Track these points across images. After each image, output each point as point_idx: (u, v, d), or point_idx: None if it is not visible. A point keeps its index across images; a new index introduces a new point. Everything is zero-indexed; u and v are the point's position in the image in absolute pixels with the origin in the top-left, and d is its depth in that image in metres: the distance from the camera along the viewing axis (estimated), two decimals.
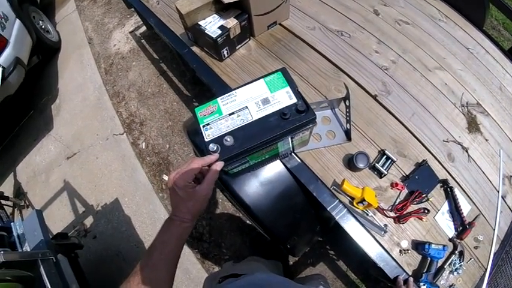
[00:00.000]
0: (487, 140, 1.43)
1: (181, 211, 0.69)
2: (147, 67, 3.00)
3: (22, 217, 2.57)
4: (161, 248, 0.68)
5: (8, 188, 2.82)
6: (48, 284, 1.41)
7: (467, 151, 1.37)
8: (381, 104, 1.40)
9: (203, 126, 0.80)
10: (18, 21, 2.83)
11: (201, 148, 1.12)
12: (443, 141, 1.36)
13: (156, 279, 0.65)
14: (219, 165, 0.74)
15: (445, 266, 1.15)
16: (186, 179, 0.68)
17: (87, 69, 3.23)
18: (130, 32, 3.28)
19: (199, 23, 1.47)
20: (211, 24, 1.45)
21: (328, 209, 1.09)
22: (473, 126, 1.44)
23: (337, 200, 1.11)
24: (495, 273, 1.22)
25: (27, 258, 1.46)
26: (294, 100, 0.80)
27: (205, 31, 1.43)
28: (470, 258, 1.20)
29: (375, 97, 1.41)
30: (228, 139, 0.76)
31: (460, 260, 1.17)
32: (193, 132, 1.24)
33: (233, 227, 2.15)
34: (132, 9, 2.38)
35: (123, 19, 3.45)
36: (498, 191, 1.34)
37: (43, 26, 3.38)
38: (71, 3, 3.90)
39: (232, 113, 0.80)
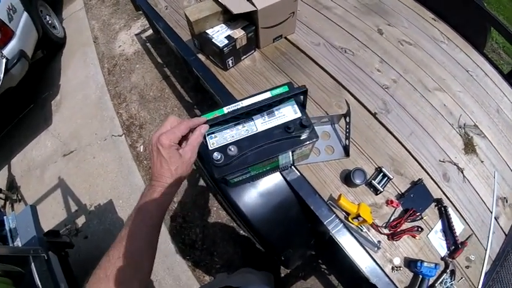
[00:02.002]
0: (482, 161, 1.45)
1: (164, 175, 0.63)
2: (151, 71, 3.02)
3: (14, 211, 2.54)
4: (141, 216, 0.62)
5: (1, 180, 2.80)
6: (38, 282, 1.40)
7: (462, 172, 1.39)
8: (380, 122, 1.42)
9: (208, 135, 0.81)
10: (25, 13, 2.84)
11: (203, 155, 1.12)
12: (440, 161, 1.38)
13: (137, 250, 0.59)
14: (203, 128, 0.70)
15: (436, 285, 1.15)
16: (172, 139, 0.63)
17: (90, 67, 3.23)
18: (136, 35, 3.31)
19: (207, 31, 1.49)
20: (219, 34, 1.48)
21: (325, 223, 1.10)
22: (469, 147, 1.47)
23: (334, 215, 1.12)
24: None
25: (18, 253, 1.45)
26: (299, 114, 0.81)
27: (212, 40, 1.45)
28: (462, 278, 1.21)
29: (374, 115, 1.43)
30: (232, 149, 0.77)
31: (451, 279, 1.17)
32: None
33: (226, 237, 2.14)
34: (140, 12, 2.41)
35: (129, 21, 3.47)
36: (491, 212, 1.35)
37: (50, 21, 3.39)
38: (79, 1, 3.93)
39: (238, 123, 0.81)
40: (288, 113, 0.82)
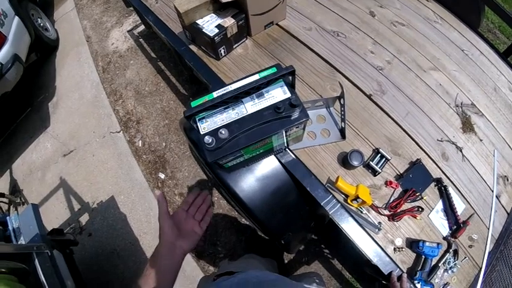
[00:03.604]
0: (481, 140, 1.45)
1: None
2: (145, 66, 3.00)
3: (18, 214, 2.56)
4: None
5: (4, 185, 2.81)
6: (42, 278, 1.41)
7: (461, 151, 1.38)
8: (375, 103, 1.41)
9: (199, 120, 0.81)
10: (17, 18, 2.82)
11: (196, 142, 1.12)
12: (438, 140, 1.38)
13: None
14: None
15: (440, 265, 1.16)
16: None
17: (84, 67, 3.22)
18: (128, 31, 3.28)
19: (197, 21, 1.48)
20: (209, 23, 1.46)
21: (322, 204, 1.10)
22: (467, 126, 1.46)
23: (331, 195, 1.12)
24: (490, 272, 1.24)
25: (21, 250, 1.46)
26: (288, 95, 0.81)
27: (203, 30, 1.44)
28: (465, 257, 1.21)
29: (369, 96, 1.43)
30: (223, 132, 0.77)
31: (454, 259, 1.18)
32: (190, 128, 1.24)
33: (228, 226, 2.15)
34: (131, 8, 2.39)
35: (121, 18, 3.45)
36: (493, 191, 1.35)
37: (41, 24, 3.37)
38: (70, 2, 3.89)
39: (228, 107, 0.81)
40: (277, 94, 0.81)
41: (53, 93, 3.20)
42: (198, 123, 0.81)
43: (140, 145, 2.59)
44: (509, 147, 1.51)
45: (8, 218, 1.66)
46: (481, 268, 1.22)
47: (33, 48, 3.11)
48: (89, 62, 3.23)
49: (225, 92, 0.77)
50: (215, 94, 0.80)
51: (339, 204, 1.11)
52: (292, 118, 0.80)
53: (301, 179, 1.14)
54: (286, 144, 1.01)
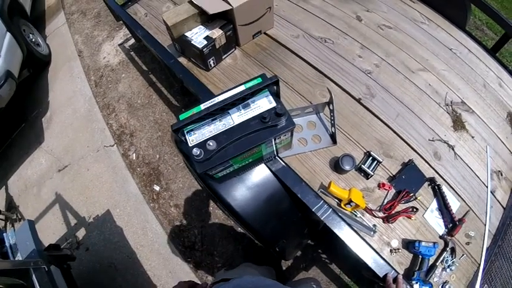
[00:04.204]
0: (473, 137, 1.46)
1: None
2: (137, 79, 3.01)
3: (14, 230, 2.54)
4: None
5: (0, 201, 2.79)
6: None
7: (453, 149, 1.39)
8: (365, 107, 1.42)
9: (187, 132, 0.81)
10: (8, 34, 2.82)
11: (187, 154, 1.12)
12: (429, 140, 1.39)
13: None
14: None
15: (438, 264, 1.16)
16: None
17: (77, 81, 3.22)
18: (119, 45, 3.29)
19: (186, 34, 1.50)
20: (197, 35, 1.48)
21: (313, 210, 1.10)
22: (458, 124, 1.47)
23: (322, 201, 1.12)
24: (489, 268, 1.24)
25: (19, 266, 1.45)
26: (273, 104, 0.82)
27: (192, 42, 1.46)
28: (463, 255, 1.21)
29: (359, 100, 1.44)
30: (211, 143, 0.78)
31: (452, 257, 1.18)
32: (180, 140, 1.25)
33: (225, 235, 2.14)
34: (121, 22, 2.41)
35: (112, 32, 3.46)
36: (487, 186, 1.36)
37: (33, 39, 3.37)
38: (61, 17, 3.91)
39: (215, 119, 0.81)
40: (263, 104, 0.82)
41: (46, 109, 3.19)
42: (186, 136, 0.81)
43: (134, 158, 2.58)
44: (502, 142, 1.52)
45: (4, 234, 1.66)
46: (479, 264, 1.22)
47: (26, 64, 3.11)
48: (81, 77, 3.23)
49: (211, 104, 0.78)
50: (202, 106, 0.80)
51: (331, 210, 1.11)
52: (278, 127, 0.81)
53: (291, 186, 1.14)
54: (276, 153, 1.01)
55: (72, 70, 3.33)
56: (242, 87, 0.79)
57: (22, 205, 2.72)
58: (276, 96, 0.84)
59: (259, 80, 0.80)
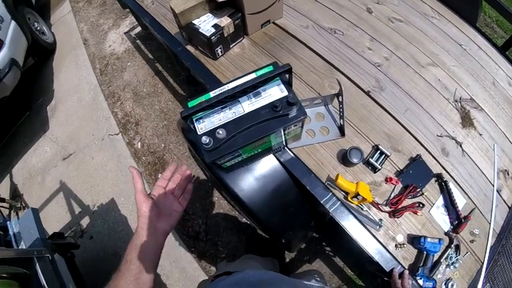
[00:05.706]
0: (481, 134, 1.45)
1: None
2: (142, 67, 3.00)
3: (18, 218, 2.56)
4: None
5: (4, 189, 2.80)
6: (44, 282, 1.41)
7: (461, 146, 1.38)
8: (374, 100, 1.41)
9: (196, 120, 0.80)
10: (13, 22, 2.82)
11: (194, 142, 1.11)
12: (437, 136, 1.37)
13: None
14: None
15: (442, 260, 1.16)
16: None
17: (82, 70, 3.22)
18: (125, 33, 3.27)
19: (193, 22, 1.47)
20: (205, 23, 1.46)
21: (321, 202, 1.09)
22: (467, 121, 1.46)
23: (331, 193, 1.11)
24: (492, 266, 1.23)
25: (22, 255, 1.46)
26: (285, 93, 0.80)
27: (199, 30, 1.43)
28: (467, 252, 1.21)
29: (368, 93, 1.42)
30: (221, 132, 0.77)
31: (456, 254, 1.18)
32: (188, 128, 1.24)
33: (229, 225, 2.15)
34: (127, 10, 2.39)
35: (118, 20, 3.44)
36: (493, 185, 1.35)
37: (38, 28, 3.37)
38: (66, 5, 3.89)
39: (225, 107, 0.80)
40: (275, 92, 0.81)
41: (51, 97, 3.20)
42: (195, 124, 0.80)
43: (139, 147, 2.58)
44: (509, 141, 1.50)
45: (8, 222, 1.66)
46: (483, 263, 1.21)
47: (31, 52, 3.11)
48: (87, 65, 3.23)
49: (221, 91, 0.77)
50: (212, 94, 0.79)
51: (339, 202, 1.11)
52: (289, 116, 0.80)
53: (300, 178, 1.14)
54: (284, 143, 1.00)
55: (78, 58, 3.32)
56: (253, 75, 0.77)
57: (26, 193, 2.74)
58: (288, 85, 0.82)
59: (271, 68, 0.79)
